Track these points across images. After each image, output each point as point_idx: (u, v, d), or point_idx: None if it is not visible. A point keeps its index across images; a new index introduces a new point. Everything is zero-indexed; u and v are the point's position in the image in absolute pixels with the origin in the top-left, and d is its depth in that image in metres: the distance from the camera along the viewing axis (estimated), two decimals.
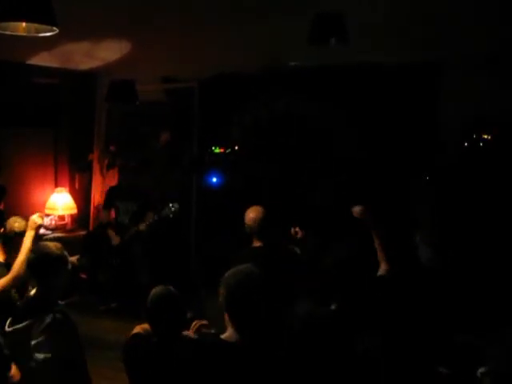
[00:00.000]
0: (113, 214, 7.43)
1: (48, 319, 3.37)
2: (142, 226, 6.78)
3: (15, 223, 4.65)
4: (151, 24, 4.94)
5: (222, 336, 2.70)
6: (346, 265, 3.40)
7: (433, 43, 5.35)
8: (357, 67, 6.43)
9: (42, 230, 6.99)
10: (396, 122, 6.72)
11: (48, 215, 7.39)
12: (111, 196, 7.43)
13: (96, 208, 8.09)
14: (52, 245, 3.73)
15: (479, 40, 5.22)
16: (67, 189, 7.75)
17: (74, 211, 7.69)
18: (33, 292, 3.66)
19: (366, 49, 5.48)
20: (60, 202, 7.48)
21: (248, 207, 4.48)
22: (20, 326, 3.44)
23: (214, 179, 7.84)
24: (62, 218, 7.64)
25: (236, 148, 7.92)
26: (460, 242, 4.78)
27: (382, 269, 3.69)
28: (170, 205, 6.42)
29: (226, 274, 2.74)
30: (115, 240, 7.06)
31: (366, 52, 5.68)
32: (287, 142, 7.41)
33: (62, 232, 7.50)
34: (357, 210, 3.87)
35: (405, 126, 6.66)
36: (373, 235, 3.77)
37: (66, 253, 3.67)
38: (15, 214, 6.53)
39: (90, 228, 8.02)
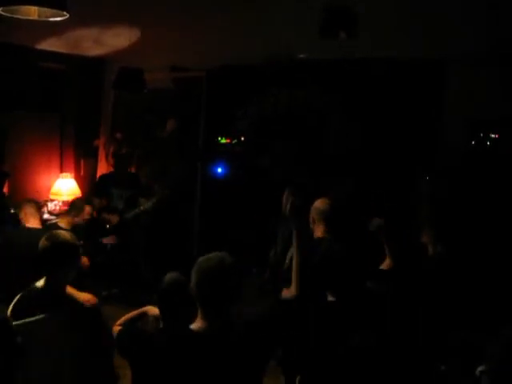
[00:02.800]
0: (105, 201, 7.47)
1: (63, 314, 3.25)
2: (144, 207, 6.84)
3: None
4: (161, 12, 4.94)
5: (192, 326, 2.70)
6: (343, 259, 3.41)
7: (439, 41, 5.34)
8: (364, 61, 6.42)
9: (46, 215, 7.03)
10: (400, 118, 6.70)
11: (53, 200, 7.42)
12: (103, 183, 7.49)
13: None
14: (66, 233, 3.54)
15: (485, 39, 5.21)
16: (72, 174, 7.76)
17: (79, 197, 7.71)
18: (40, 283, 3.47)
19: (373, 43, 5.47)
20: (65, 188, 7.50)
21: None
22: (33, 319, 3.24)
23: (220, 169, 7.83)
24: (66, 203, 7.67)
25: (242, 139, 7.90)
26: (466, 241, 4.77)
27: (386, 264, 3.69)
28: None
29: (199, 260, 2.70)
30: (113, 220, 7.08)
31: (373, 47, 5.68)
32: (290, 135, 7.40)
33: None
34: (374, 224, 3.89)
35: (409, 122, 6.64)
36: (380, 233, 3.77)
37: (78, 243, 3.56)
38: (20, 199, 6.63)
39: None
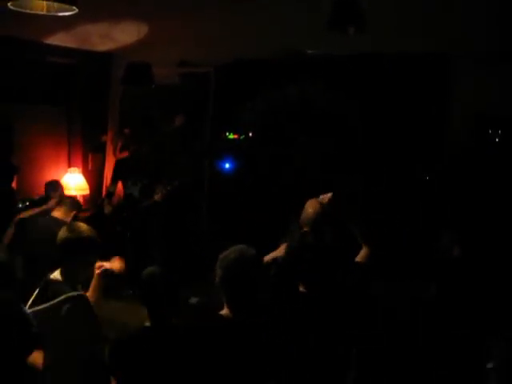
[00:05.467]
0: (120, 186, 7.54)
1: (67, 304, 3.24)
2: (158, 197, 6.84)
3: None
4: (169, 7, 4.93)
5: (221, 312, 2.75)
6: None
7: (446, 37, 5.32)
8: (371, 57, 6.40)
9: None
10: (407, 113, 6.68)
11: None
12: (119, 168, 7.52)
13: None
14: (85, 226, 3.56)
15: (493, 36, 5.19)
16: (80, 169, 7.76)
17: (87, 192, 7.71)
18: (54, 275, 3.48)
19: (381, 39, 5.45)
20: (73, 183, 7.50)
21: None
22: (40, 307, 3.28)
23: (227, 165, 7.83)
24: (74, 197, 7.68)
25: (250, 135, 7.90)
26: (482, 240, 4.77)
27: (361, 255, 3.71)
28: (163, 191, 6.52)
29: (222, 255, 2.77)
30: (107, 209, 7.10)
31: (381, 42, 5.65)
32: (300, 130, 7.39)
33: None
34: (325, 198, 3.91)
35: (415, 118, 6.63)
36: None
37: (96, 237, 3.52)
38: (28, 193, 6.64)
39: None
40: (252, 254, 2.80)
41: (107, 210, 7.17)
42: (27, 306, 3.35)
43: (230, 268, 2.72)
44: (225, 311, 2.75)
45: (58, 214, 5.32)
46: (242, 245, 2.84)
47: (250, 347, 2.66)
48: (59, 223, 4.66)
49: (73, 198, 6.00)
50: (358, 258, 3.72)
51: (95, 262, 3.58)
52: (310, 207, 4.21)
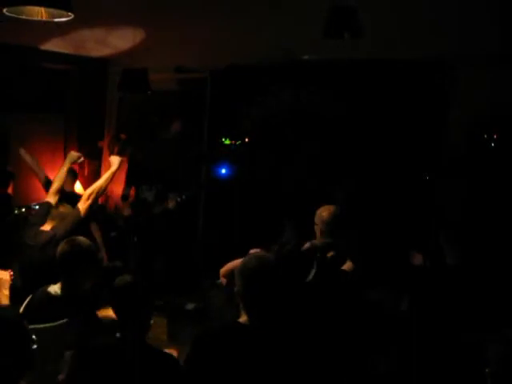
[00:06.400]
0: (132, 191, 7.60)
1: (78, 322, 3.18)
2: (171, 205, 6.88)
3: None
4: (164, 13, 4.93)
5: (239, 319, 2.74)
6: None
7: (443, 41, 5.33)
8: (367, 63, 6.41)
9: None
10: (404, 118, 6.68)
11: None
12: (133, 173, 7.62)
13: (104, 195, 8.10)
14: (85, 240, 3.54)
15: (490, 40, 5.20)
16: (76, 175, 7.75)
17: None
18: (54, 288, 3.45)
19: (377, 44, 5.47)
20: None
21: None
22: (52, 324, 3.22)
23: (224, 171, 7.83)
24: None
25: (246, 140, 7.90)
26: (482, 242, 4.77)
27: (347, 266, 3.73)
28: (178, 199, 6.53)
29: (241, 264, 2.76)
30: (126, 211, 7.17)
31: (377, 47, 5.67)
32: (295, 136, 7.39)
33: None
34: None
35: (413, 123, 6.63)
36: None
37: (98, 252, 3.52)
38: (24, 199, 6.62)
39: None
40: (271, 261, 2.79)
41: (126, 212, 7.21)
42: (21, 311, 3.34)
43: (251, 277, 2.70)
44: (243, 318, 2.73)
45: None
46: (261, 252, 2.83)
47: (272, 354, 2.64)
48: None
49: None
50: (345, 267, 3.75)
51: (95, 277, 3.57)
52: (325, 211, 4.18)
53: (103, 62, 7.64)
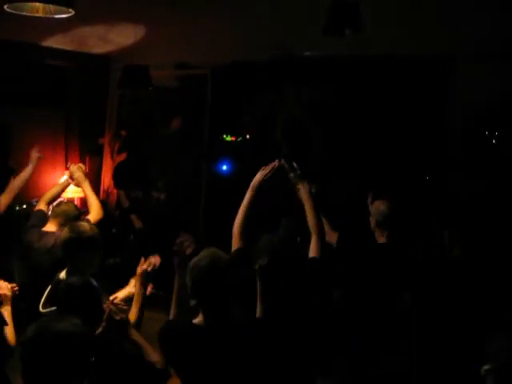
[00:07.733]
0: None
1: None
2: (162, 196, 6.94)
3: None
4: (166, 9, 4.93)
5: (194, 321, 2.70)
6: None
7: (447, 37, 5.32)
8: (370, 58, 6.39)
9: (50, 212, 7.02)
10: (406, 115, 6.67)
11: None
12: (120, 173, 7.61)
13: (105, 192, 8.11)
14: (87, 225, 3.59)
15: (495, 35, 5.19)
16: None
17: (84, 194, 7.68)
18: (62, 274, 3.47)
19: (379, 40, 5.45)
20: (70, 185, 7.47)
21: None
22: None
23: (225, 167, 7.82)
24: (71, 200, 7.66)
25: (247, 137, 7.89)
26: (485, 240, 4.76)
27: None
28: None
29: (191, 263, 2.72)
30: (137, 224, 7.15)
31: (379, 43, 5.65)
32: (298, 132, 7.37)
33: None
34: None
35: (416, 119, 6.61)
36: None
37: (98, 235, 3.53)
38: (24, 196, 6.62)
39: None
40: (223, 259, 2.74)
41: (125, 204, 7.34)
42: (40, 306, 3.33)
43: (201, 277, 2.65)
44: (198, 319, 2.70)
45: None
46: (213, 248, 2.79)
47: (229, 355, 2.61)
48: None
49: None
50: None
51: (99, 261, 3.58)
52: (382, 204, 4.16)
53: (104, 59, 7.63)
